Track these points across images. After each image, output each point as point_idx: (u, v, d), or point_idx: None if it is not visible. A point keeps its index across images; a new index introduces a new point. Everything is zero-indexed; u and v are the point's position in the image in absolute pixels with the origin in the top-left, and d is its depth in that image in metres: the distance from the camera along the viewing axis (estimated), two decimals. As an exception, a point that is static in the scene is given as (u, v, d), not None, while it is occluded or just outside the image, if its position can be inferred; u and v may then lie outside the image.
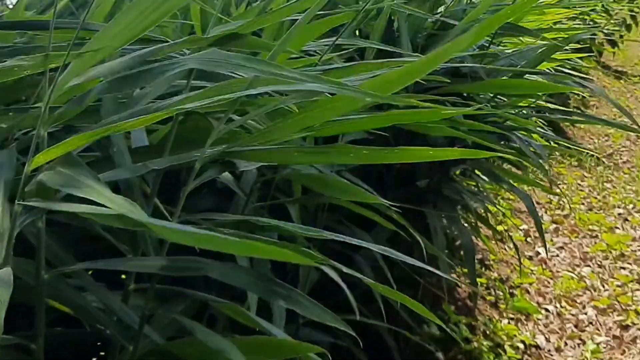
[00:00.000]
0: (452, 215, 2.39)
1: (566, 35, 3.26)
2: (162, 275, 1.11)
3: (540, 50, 2.34)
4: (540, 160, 2.40)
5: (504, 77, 2.24)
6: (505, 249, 3.99)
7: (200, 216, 1.28)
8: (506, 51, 2.39)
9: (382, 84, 1.10)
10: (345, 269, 1.10)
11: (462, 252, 2.99)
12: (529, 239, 4.26)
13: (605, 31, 7.25)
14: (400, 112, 1.25)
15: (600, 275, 3.88)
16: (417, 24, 2.24)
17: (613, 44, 8.73)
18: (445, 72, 2.02)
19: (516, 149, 2.36)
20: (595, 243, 4.31)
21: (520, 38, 2.79)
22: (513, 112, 2.43)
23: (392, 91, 1.13)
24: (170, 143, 1.16)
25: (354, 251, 1.93)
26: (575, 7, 4.05)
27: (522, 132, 2.48)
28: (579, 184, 5.43)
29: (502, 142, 2.36)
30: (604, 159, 6.04)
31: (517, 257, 3.91)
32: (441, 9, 2.53)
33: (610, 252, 4.13)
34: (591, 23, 5.61)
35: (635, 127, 2.48)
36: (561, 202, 4.87)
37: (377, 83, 1.11)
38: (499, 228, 3.87)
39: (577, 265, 4.05)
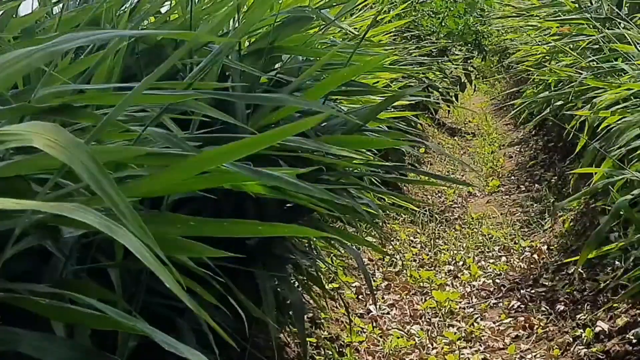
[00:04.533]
0: (282, 275, 2.42)
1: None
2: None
3: (372, 106, 2.44)
4: (375, 219, 2.48)
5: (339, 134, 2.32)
6: (336, 307, 4.06)
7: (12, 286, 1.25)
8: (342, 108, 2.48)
9: (214, 157, 1.13)
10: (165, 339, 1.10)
11: (291, 312, 3.03)
12: (360, 297, 4.35)
13: (441, 89, 7.62)
14: (226, 175, 1.28)
15: (430, 333, 4.01)
16: (252, 80, 2.28)
17: (448, 102, 9.16)
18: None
19: (349, 208, 2.43)
20: (426, 300, 4.46)
21: (359, 97, 2.89)
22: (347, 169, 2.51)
23: (227, 161, 1.17)
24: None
25: (178, 314, 1.92)
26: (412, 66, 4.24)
27: (355, 189, 2.57)
28: (412, 240, 5.62)
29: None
30: (436, 215, 6.29)
31: (347, 315, 4.01)
32: (278, 65, 2.59)
33: (440, 310, 4.29)
34: (426, 81, 5.87)
35: (466, 181, 2.61)
36: (393, 259, 5.02)
37: (208, 157, 1.14)
38: (331, 286, 3.94)
39: (407, 323, 4.17)
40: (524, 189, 7.25)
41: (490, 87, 14.01)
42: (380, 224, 3.41)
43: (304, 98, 2.06)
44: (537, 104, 6.45)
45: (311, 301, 3.45)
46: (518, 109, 6.03)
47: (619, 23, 3.71)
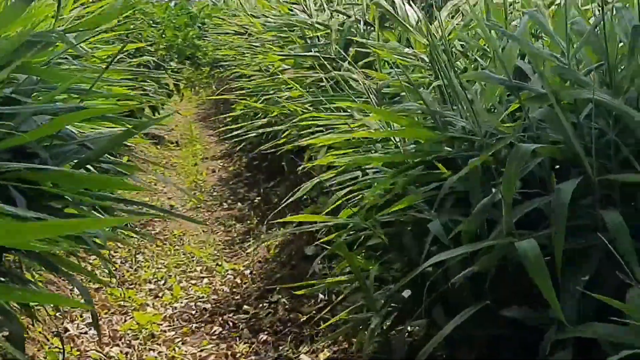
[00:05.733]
0: None
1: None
2: None
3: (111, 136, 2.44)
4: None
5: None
6: (32, 325, 3.92)
7: None
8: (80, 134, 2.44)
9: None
10: None
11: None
12: (58, 314, 4.24)
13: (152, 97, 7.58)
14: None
15: (130, 356, 4.00)
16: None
17: (153, 109, 9.16)
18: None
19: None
20: (126, 321, 4.43)
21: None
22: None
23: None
24: None
25: None
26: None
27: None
28: (112, 255, 5.55)
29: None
30: (137, 229, 6.24)
31: (44, 334, 3.89)
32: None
33: (141, 332, 4.28)
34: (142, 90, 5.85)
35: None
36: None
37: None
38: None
39: (107, 344, 4.12)
40: (226, 206, 7.38)
41: (196, 95, 14.14)
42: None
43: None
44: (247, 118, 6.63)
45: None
46: (233, 135, 6.16)
47: (344, 64, 3.96)
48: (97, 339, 4.14)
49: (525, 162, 2.35)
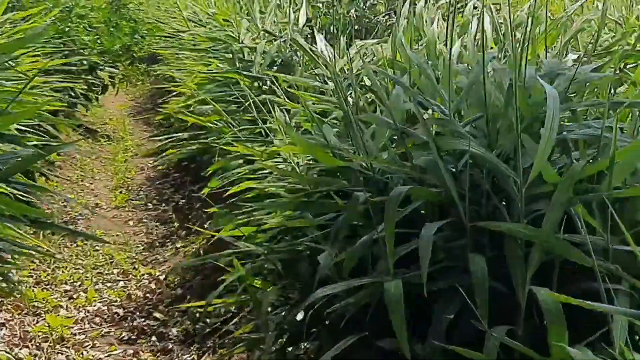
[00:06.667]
0: None
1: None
2: None
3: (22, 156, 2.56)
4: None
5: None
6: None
7: None
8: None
9: None
10: None
11: None
12: (-31, 313, 4.34)
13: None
14: None
15: (38, 357, 4.11)
16: None
17: (88, 101, 9.19)
18: None
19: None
20: (38, 322, 4.53)
21: None
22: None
23: None
24: None
25: None
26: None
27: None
28: (31, 254, 5.60)
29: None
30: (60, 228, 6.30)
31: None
32: None
33: (52, 334, 4.38)
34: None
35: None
36: (10, 274, 5.00)
37: None
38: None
39: (16, 345, 4.22)
40: (151, 207, 7.44)
41: (134, 87, 14.14)
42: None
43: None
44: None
45: None
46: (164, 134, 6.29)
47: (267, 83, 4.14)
48: (7, 340, 4.26)
49: (407, 203, 2.55)
